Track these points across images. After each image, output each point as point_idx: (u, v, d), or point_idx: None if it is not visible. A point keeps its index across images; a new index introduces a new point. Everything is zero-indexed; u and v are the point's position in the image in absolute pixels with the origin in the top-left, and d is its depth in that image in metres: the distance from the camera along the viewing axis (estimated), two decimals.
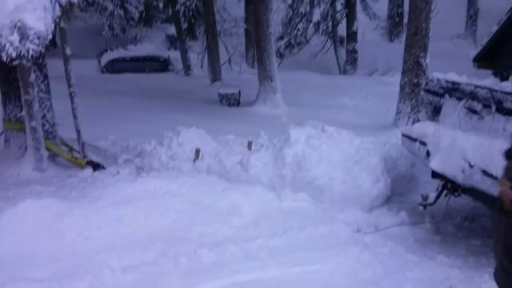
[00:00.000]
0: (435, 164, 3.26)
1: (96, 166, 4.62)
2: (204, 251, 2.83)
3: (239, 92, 9.44)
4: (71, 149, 4.96)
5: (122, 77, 11.57)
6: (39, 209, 3.03)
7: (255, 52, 12.06)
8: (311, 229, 3.16)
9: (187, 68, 12.66)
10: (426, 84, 3.87)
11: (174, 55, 13.41)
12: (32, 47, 2.84)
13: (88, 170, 4.55)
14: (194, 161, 4.54)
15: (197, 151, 4.57)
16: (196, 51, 12.94)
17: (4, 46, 2.83)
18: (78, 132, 4.74)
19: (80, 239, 2.90)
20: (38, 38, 2.84)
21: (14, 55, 2.81)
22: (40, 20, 2.80)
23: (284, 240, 3.04)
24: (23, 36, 2.81)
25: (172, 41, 15.63)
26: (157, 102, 8.73)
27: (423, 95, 3.94)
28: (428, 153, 3.41)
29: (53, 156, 4.75)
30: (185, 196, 3.42)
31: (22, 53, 2.80)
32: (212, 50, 11.02)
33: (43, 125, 4.62)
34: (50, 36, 2.96)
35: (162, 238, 2.99)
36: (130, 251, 2.84)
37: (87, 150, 4.82)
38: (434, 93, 3.69)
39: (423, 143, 3.51)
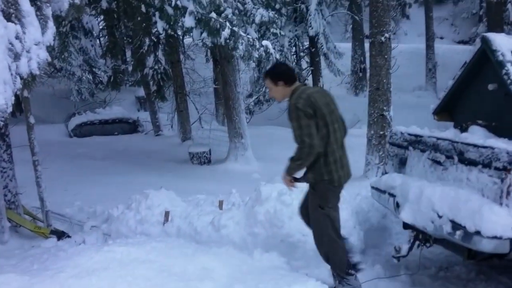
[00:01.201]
0: (405, 215, 3.27)
1: (60, 235, 4.44)
2: None
3: (210, 151, 9.45)
4: (34, 219, 4.77)
5: (90, 140, 11.45)
6: None
7: (224, 110, 12.26)
8: None
9: (157, 128, 12.67)
10: (391, 137, 3.97)
11: (144, 116, 13.46)
12: None
13: (52, 240, 4.36)
14: (164, 224, 4.43)
15: (167, 214, 4.47)
16: (166, 112, 13.03)
17: None
18: (42, 200, 4.58)
19: None
20: None
21: None
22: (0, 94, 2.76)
23: None
24: None
25: (141, 103, 15.74)
26: (126, 164, 8.62)
27: (389, 148, 4.02)
28: (397, 205, 3.43)
29: (15, 227, 4.55)
30: (153, 262, 3.29)
31: None
32: (181, 111, 11.13)
33: (5, 195, 4.46)
34: (10, 110, 2.91)
35: None
36: None
37: (52, 218, 4.64)
38: (399, 146, 3.78)
39: (391, 195, 3.54)
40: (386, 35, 6.87)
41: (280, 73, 3.39)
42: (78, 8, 3.83)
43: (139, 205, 4.58)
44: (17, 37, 3.01)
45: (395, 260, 3.54)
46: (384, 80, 6.87)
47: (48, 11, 3.38)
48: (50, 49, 3.33)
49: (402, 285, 3.50)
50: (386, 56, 6.89)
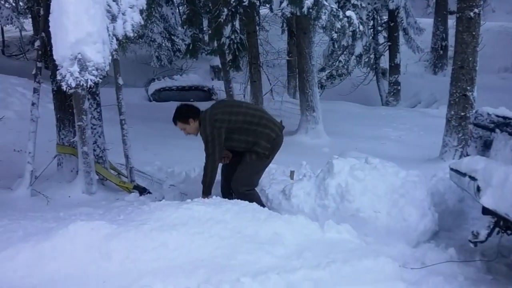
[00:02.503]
0: (487, 200, 3.15)
1: (142, 191, 4.74)
2: (247, 280, 2.82)
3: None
4: (119, 174, 5.12)
5: (168, 105, 11.86)
6: (89, 231, 3.11)
7: (296, 83, 12.19)
8: (355, 262, 3.09)
9: (230, 97, 12.89)
10: (475, 118, 3.79)
11: (218, 85, 13.75)
12: (90, 78, 3.01)
13: (135, 195, 4.68)
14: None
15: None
16: (239, 82, 13.20)
17: (65, 76, 3.01)
18: (127, 157, 4.90)
19: (127, 262, 2.96)
20: (97, 69, 3.01)
21: (73, 84, 2.99)
22: (99, 52, 2.97)
23: (328, 273, 2.98)
24: (83, 68, 2.98)
25: (216, 72, 16.04)
26: None
27: (472, 129, 3.85)
28: (478, 189, 3.30)
29: (102, 180, 4.91)
30: (228, 223, 3.44)
31: (81, 83, 2.98)
32: (254, 81, 11.20)
33: (94, 150, 4.80)
34: (108, 68, 3.13)
35: (206, 265, 3.00)
36: (174, 276, 2.87)
37: (134, 175, 4.96)
38: (484, 128, 3.61)
39: (473, 178, 3.41)
40: (476, 10, 6.45)
41: (185, 113, 4.11)
42: None
43: None
44: (114, 0, 3.19)
45: (471, 244, 3.43)
46: (470, 58, 6.49)
47: None
48: (143, 13, 3.50)
49: (477, 271, 3.40)
50: (474, 33, 6.49)
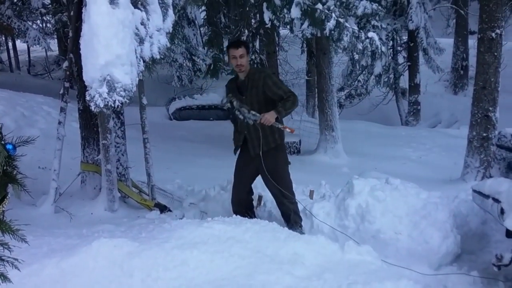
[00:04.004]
0: (511, 223, 3.11)
1: (163, 209, 4.80)
2: None
3: (300, 141, 9.53)
4: (140, 191, 5.20)
5: (188, 124, 12.07)
6: (112, 248, 3.16)
7: (315, 102, 12.22)
8: (376, 285, 3.06)
9: None
10: (499, 139, 3.76)
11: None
12: (118, 99, 3.11)
13: (155, 212, 4.73)
14: (256, 207, 4.60)
15: (260, 198, 4.65)
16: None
17: (94, 97, 3.12)
18: (149, 175, 4.97)
19: (148, 280, 2.98)
20: (124, 90, 3.11)
21: (101, 105, 3.09)
22: (127, 74, 3.07)
23: None
24: (111, 89, 3.09)
25: None
26: (221, 148, 8.99)
27: (495, 151, 3.81)
28: (502, 211, 3.26)
29: (123, 197, 4.99)
30: (248, 242, 3.44)
31: (109, 104, 3.07)
32: None
33: (117, 168, 4.90)
34: (135, 89, 3.23)
35: (226, 284, 3.01)
36: None
37: (155, 193, 5.03)
38: (508, 149, 3.58)
39: (496, 200, 3.37)
40: (498, 31, 6.44)
41: (249, 48, 4.10)
42: None
43: None
44: (142, 23, 3.31)
45: (495, 268, 3.36)
46: (492, 79, 6.46)
47: (169, 0, 3.66)
48: (168, 36, 3.61)
49: None
50: (495, 54, 6.47)
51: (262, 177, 4.07)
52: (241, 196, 4.19)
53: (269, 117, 3.76)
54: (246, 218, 3.92)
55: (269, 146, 3.97)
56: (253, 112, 3.86)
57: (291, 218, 4.09)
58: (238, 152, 4.20)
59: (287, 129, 3.98)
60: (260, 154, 3.91)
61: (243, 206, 4.21)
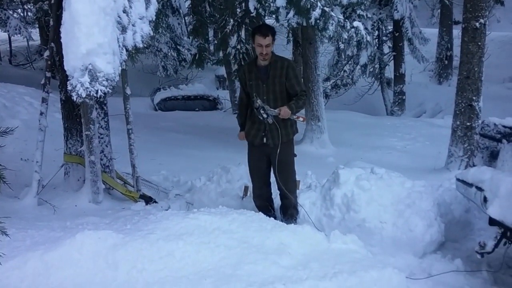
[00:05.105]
0: (494, 211, 3.15)
1: (148, 200, 4.76)
2: None
3: None
4: (125, 183, 5.15)
5: (173, 114, 11.98)
6: (96, 240, 3.13)
7: None
8: (362, 273, 3.08)
9: (235, 107, 12.97)
10: (482, 128, 3.80)
11: (223, 94, 13.80)
12: (100, 88, 3.05)
13: (141, 204, 4.70)
14: (243, 198, 4.60)
15: (246, 189, 4.64)
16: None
17: (75, 86, 3.05)
18: (133, 166, 4.92)
19: (134, 272, 2.97)
20: (107, 80, 3.06)
21: (83, 95, 3.02)
22: (109, 63, 3.02)
23: (335, 283, 2.97)
24: (93, 78, 3.03)
25: (220, 81, 16.13)
26: (206, 139, 8.95)
27: (479, 140, 3.85)
28: (485, 199, 3.30)
29: (108, 189, 4.94)
30: (234, 233, 3.44)
31: (91, 94, 3.01)
32: None
33: (101, 159, 4.84)
34: (118, 78, 3.17)
35: (212, 275, 3.00)
36: (180, 286, 2.88)
37: (140, 184, 4.98)
38: (491, 138, 3.61)
39: (479, 189, 3.41)
40: (482, 20, 6.47)
41: (275, 34, 3.84)
42: None
43: (220, 178, 4.79)
44: (124, 11, 3.24)
45: (478, 256, 3.42)
46: (476, 69, 6.50)
47: None
48: (151, 24, 3.55)
49: (483, 282, 3.39)
50: (479, 43, 6.50)
51: (273, 168, 4.04)
52: (263, 191, 4.21)
53: (287, 111, 3.79)
54: (270, 212, 4.03)
55: (288, 137, 4.00)
56: (271, 109, 3.84)
57: (289, 212, 4.12)
58: (248, 149, 4.18)
59: (300, 119, 4.06)
60: (279, 145, 3.90)
61: (265, 199, 4.22)
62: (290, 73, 3.83)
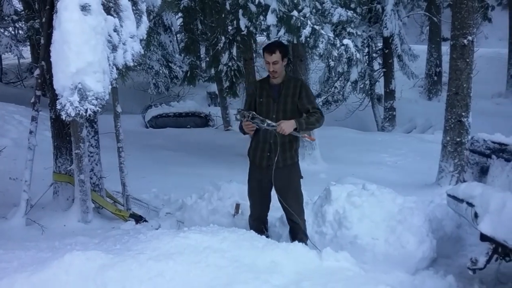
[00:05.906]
0: (484, 227, 3.15)
1: (138, 219, 4.71)
2: None
3: None
4: (115, 202, 5.09)
5: (165, 132, 11.96)
6: (84, 261, 3.07)
7: None
8: None
9: (226, 124, 12.99)
10: (472, 144, 3.82)
11: (214, 111, 13.82)
12: (90, 107, 3.04)
13: (131, 223, 4.64)
14: (234, 215, 4.56)
15: (237, 206, 4.61)
16: (236, 107, 13.31)
17: (65, 105, 3.04)
18: (124, 185, 4.88)
19: None
20: (96, 99, 3.04)
21: (73, 114, 3.00)
22: (99, 82, 3.01)
23: None
24: (83, 97, 3.01)
25: (212, 98, 16.17)
26: (198, 156, 8.93)
27: (469, 155, 3.88)
28: (476, 215, 3.30)
29: (98, 208, 4.88)
30: (225, 251, 3.40)
31: (80, 113, 2.99)
32: None
33: (91, 178, 4.79)
34: (107, 97, 3.16)
35: None
36: None
37: (130, 203, 4.93)
38: (480, 154, 3.64)
39: (470, 205, 3.42)
40: (469, 37, 6.57)
41: (287, 52, 3.74)
42: (170, 3, 4.05)
43: (211, 196, 4.76)
44: (115, 30, 3.25)
45: (470, 272, 3.41)
46: (465, 85, 6.58)
47: (143, 6, 3.61)
48: (142, 42, 3.56)
49: None
50: (468, 60, 6.60)
51: (277, 191, 3.86)
52: (263, 214, 4.07)
53: (286, 127, 3.54)
54: (263, 233, 3.89)
55: (293, 160, 3.84)
56: (268, 122, 3.60)
57: (298, 237, 3.93)
58: (249, 170, 3.97)
59: (306, 138, 3.88)
60: (273, 167, 3.72)
61: (262, 222, 4.10)
62: (302, 92, 3.71)
